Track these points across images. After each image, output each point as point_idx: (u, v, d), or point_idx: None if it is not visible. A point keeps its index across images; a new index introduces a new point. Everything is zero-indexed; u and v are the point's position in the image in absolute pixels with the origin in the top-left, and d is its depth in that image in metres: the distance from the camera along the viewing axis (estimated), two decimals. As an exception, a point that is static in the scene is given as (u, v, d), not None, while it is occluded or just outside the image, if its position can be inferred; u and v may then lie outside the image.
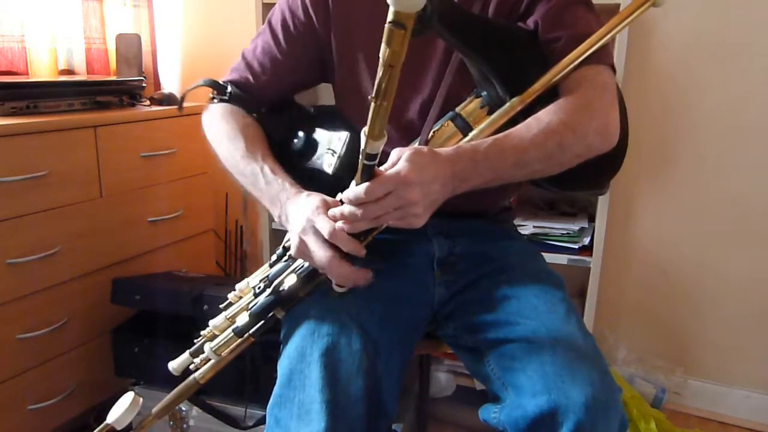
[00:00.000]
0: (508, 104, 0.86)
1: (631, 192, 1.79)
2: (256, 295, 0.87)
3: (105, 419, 0.84)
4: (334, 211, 0.76)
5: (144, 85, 1.76)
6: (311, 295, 0.85)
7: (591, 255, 1.60)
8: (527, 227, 1.67)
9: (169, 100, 1.82)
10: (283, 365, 0.83)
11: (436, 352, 1.03)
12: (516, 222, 1.65)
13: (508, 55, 0.88)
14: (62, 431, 1.55)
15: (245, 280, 0.93)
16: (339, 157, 0.92)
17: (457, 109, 0.90)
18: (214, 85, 1.03)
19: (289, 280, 0.83)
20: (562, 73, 0.87)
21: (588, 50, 0.86)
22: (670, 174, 1.75)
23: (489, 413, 0.84)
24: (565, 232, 1.65)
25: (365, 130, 0.67)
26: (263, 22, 1.01)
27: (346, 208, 0.74)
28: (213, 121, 1.00)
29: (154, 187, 1.71)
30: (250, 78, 1.03)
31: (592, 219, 1.69)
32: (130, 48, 1.82)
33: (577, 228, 1.65)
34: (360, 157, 0.71)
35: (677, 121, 1.71)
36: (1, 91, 1.39)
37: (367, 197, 0.72)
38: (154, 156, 1.69)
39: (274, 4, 1.05)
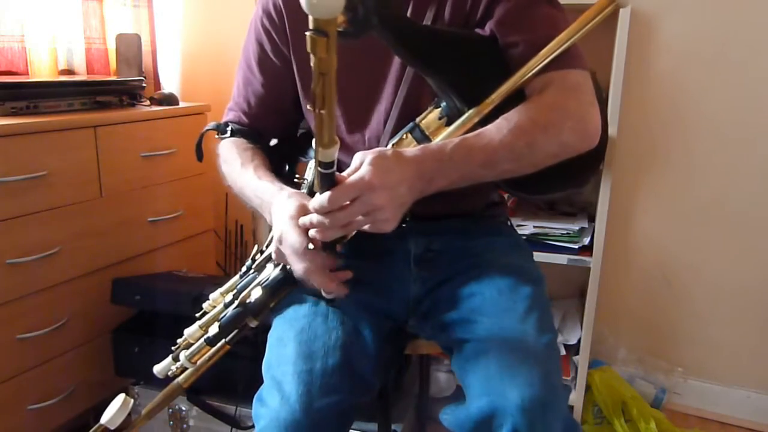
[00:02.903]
0: (465, 116, 0.84)
1: (631, 192, 1.79)
2: (226, 306, 0.89)
3: (104, 419, 0.87)
4: (304, 219, 0.75)
5: (144, 85, 1.77)
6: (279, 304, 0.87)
7: (591, 255, 1.59)
8: (527, 227, 1.67)
9: (169, 100, 1.82)
10: (266, 357, 0.87)
11: (435, 352, 1.03)
12: (516, 222, 1.65)
13: (463, 66, 0.85)
14: (62, 431, 1.55)
15: (217, 290, 0.95)
16: (308, 185, 0.91)
17: (417, 120, 0.88)
18: (217, 127, 1.05)
19: (255, 293, 0.85)
20: (521, 82, 0.84)
21: (548, 57, 0.82)
22: (671, 174, 1.75)
23: (443, 415, 0.84)
24: (565, 232, 1.65)
25: (315, 139, 0.66)
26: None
27: (315, 217, 0.73)
28: (221, 155, 1.02)
29: (154, 187, 1.71)
30: (243, 116, 1.04)
31: (592, 219, 1.69)
32: (130, 48, 1.82)
33: (577, 228, 1.65)
34: (314, 165, 0.70)
35: (677, 122, 1.71)
36: (1, 91, 1.39)
37: (330, 205, 0.70)
38: (154, 156, 1.69)
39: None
